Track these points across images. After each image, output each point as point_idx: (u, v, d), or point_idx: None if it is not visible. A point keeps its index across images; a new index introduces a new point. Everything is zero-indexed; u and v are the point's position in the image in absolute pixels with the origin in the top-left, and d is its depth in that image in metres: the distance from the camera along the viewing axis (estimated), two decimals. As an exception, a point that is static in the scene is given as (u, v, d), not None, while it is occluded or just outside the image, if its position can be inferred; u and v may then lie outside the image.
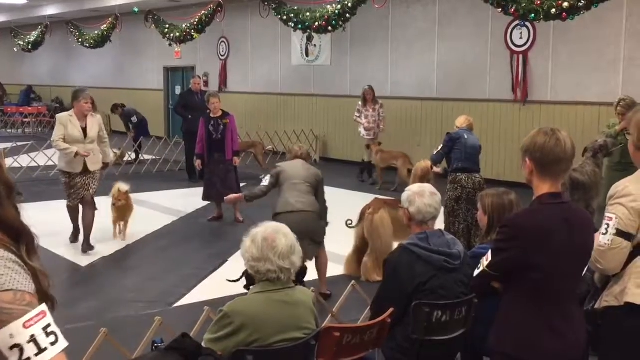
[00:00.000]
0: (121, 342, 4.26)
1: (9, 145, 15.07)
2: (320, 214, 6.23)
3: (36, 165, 13.77)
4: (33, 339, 1.76)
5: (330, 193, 10.84)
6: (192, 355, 2.92)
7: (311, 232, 6.00)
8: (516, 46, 12.47)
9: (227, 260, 7.58)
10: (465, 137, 7.55)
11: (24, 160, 13.82)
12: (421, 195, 3.89)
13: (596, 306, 3.19)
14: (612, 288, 3.12)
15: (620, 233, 3.03)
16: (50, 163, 13.85)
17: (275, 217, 5.91)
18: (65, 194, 8.09)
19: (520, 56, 12.41)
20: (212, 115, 9.75)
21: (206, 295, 6.42)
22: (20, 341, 1.74)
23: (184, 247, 8.40)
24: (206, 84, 19.55)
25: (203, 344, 3.17)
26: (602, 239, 3.06)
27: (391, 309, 3.68)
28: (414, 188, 3.99)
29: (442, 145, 7.67)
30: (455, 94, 13.53)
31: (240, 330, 3.12)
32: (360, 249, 7.02)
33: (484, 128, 13.05)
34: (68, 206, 8.20)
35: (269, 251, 3.21)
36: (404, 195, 3.97)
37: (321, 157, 16.30)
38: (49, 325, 1.80)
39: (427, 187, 4.01)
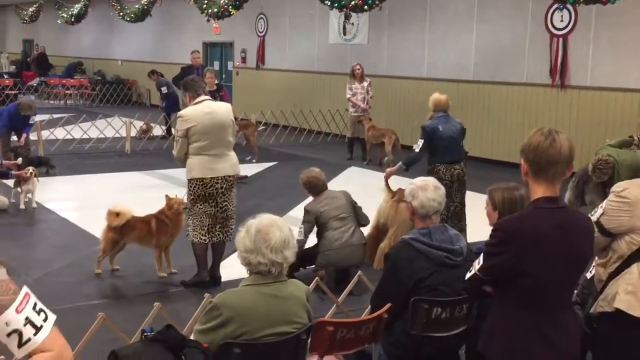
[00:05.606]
0: (123, 323, 4.28)
1: (46, 117, 15.18)
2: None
3: (71, 138, 13.88)
4: (28, 321, 1.90)
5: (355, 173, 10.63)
6: (176, 347, 2.91)
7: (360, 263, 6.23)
8: (556, 29, 12.11)
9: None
10: (441, 129, 6.85)
11: (60, 133, 13.97)
12: (424, 189, 3.79)
13: (591, 310, 3.09)
14: (607, 292, 3.05)
15: (597, 223, 3.08)
16: (85, 136, 13.99)
17: (326, 253, 6.06)
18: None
19: (560, 39, 12.05)
20: (208, 89, 10.33)
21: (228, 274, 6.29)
22: (17, 326, 1.88)
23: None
24: (244, 60, 19.53)
25: (192, 335, 3.16)
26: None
27: (388, 305, 3.61)
28: (417, 182, 3.89)
29: (420, 144, 6.91)
30: (492, 77, 13.23)
31: (228, 322, 3.10)
32: (372, 237, 6.89)
33: (521, 112, 12.78)
34: None
35: (261, 244, 3.16)
36: (407, 189, 3.88)
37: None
38: (36, 304, 1.95)
39: (431, 181, 3.91)
